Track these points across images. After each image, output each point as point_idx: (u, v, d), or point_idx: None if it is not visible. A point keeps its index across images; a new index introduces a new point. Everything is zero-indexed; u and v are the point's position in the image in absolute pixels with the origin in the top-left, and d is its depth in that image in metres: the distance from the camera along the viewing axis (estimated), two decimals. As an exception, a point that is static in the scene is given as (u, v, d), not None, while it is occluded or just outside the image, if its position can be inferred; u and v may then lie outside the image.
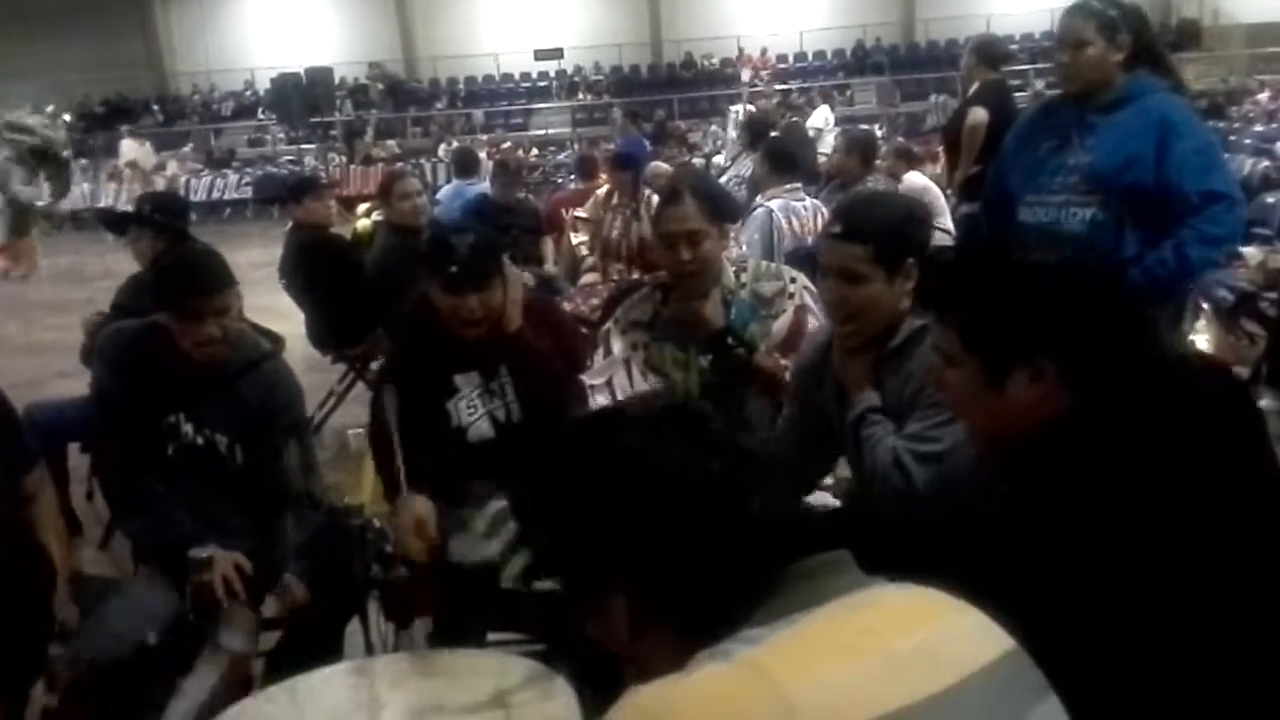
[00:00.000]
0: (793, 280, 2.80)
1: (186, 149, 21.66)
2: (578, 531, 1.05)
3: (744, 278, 2.78)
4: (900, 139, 11.43)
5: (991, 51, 5.78)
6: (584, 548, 1.05)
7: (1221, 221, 3.01)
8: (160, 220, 4.19)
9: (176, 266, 2.80)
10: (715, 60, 25.06)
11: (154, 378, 2.70)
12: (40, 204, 13.19)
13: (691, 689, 0.92)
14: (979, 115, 5.33)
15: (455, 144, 17.34)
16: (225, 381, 2.72)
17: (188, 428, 2.72)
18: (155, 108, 25.32)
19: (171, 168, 20.02)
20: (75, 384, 4.28)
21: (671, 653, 1.00)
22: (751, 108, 14.92)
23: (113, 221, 4.65)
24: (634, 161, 6.92)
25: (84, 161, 21.75)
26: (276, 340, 3.02)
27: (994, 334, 1.47)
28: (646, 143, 11.02)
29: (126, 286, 4.19)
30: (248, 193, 19.11)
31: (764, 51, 24.74)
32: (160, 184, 17.30)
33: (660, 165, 8.40)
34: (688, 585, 1.00)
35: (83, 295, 9.95)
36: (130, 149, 17.08)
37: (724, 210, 2.91)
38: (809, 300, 2.73)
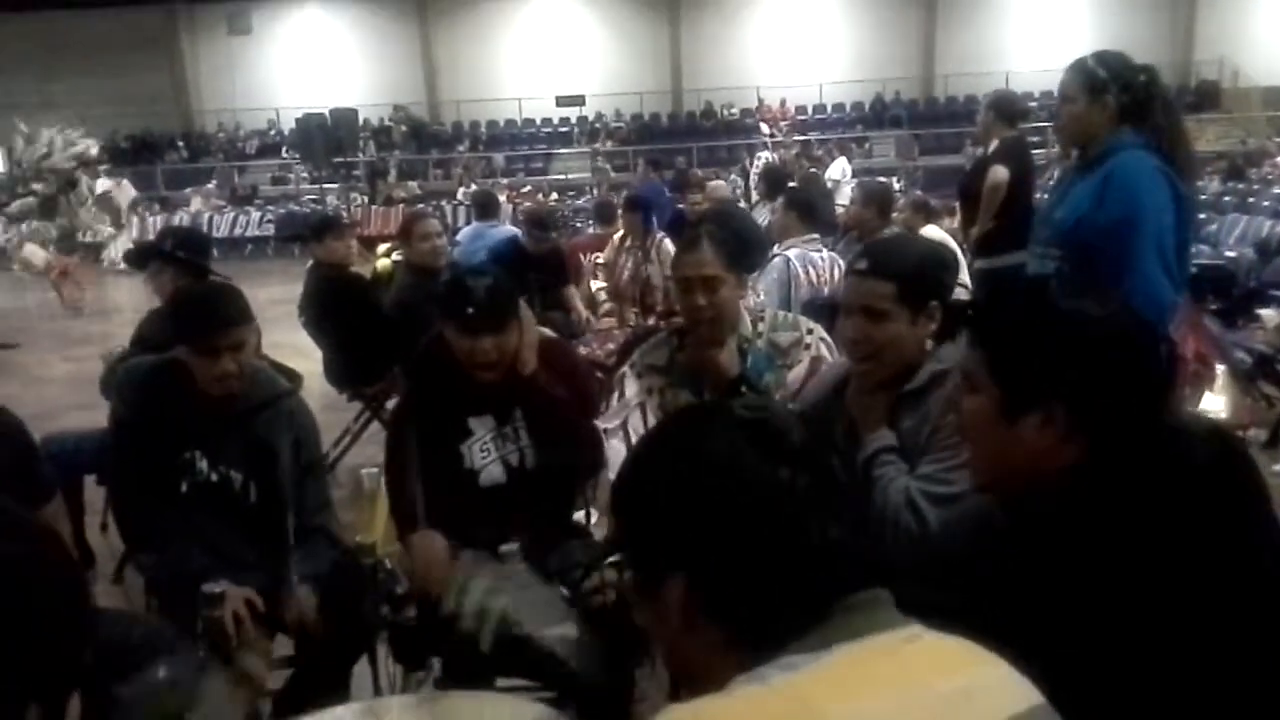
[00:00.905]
0: (809, 331, 2.80)
1: (210, 185, 21.90)
2: (659, 506, 1.06)
3: (761, 327, 2.79)
4: (919, 192, 11.47)
5: (1010, 109, 5.82)
6: (660, 523, 1.06)
7: (1132, 305, 2.91)
8: (181, 258, 4.22)
9: (193, 301, 2.82)
10: (735, 110, 25.28)
11: (171, 413, 2.71)
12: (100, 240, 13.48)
13: (727, 709, 0.93)
14: (1000, 174, 5.37)
15: (474, 186, 17.48)
16: (242, 418, 2.73)
17: (203, 464, 2.72)
18: (180, 144, 25.64)
19: (195, 203, 20.24)
20: (92, 416, 4.30)
21: (714, 657, 1.01)
22: (773, 157, 15.05)
23: (134, 256, 4.64)
24: (645, 203, 7.05)
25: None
26: (295, 378, 3.03)
27: (1021, 368, 1.47)
28: (665, 190, 11.08)
29: (147, 321, 4.21)
30: (270, 230, 19.24)
31: (783, 102, 24.96)
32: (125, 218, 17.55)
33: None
34: (746, 592, 1.01)
35: (101, 328, 10.05)
36: (105, 186, 17.26)
37: (743, 258, 2.92)
38: (825, 351, 2.73)
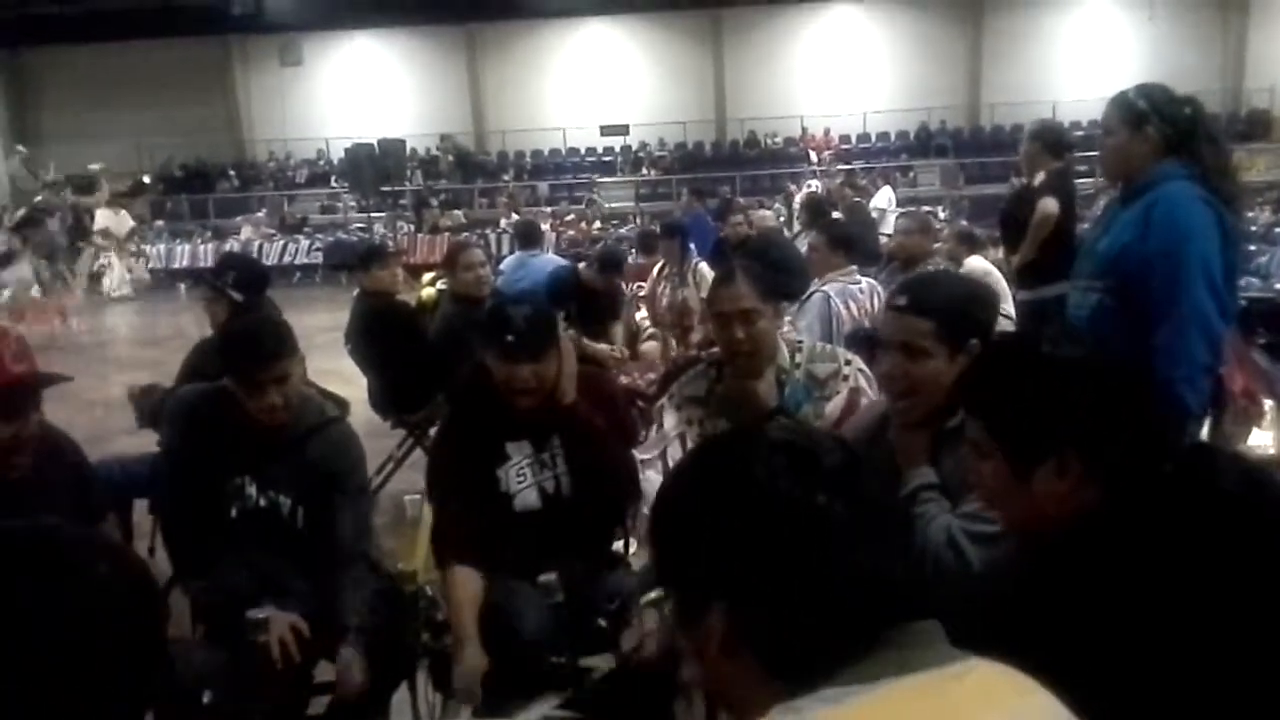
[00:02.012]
0: (847, 362, 2.80)
1: (261, 214, 22.28)
2: (696, 534, 1.06)
3: (799, 358, 2.80)
4: (964, 222, 11.42)
5: (1056, 140, 5.78)
6: (698, 552, 1.05)
7: (1184, 336, 2.88)
8: (234, 299, 4.25)
9: (238, 336, 2.87)
10: (779, 139, 25.33)
11: (220, 440, 2.76)
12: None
13: None
14: (1050, 206, 5.34)
15: (516, 215, 17.64)
16: (291, 444, 2.78)
17: (252, 490, 2.77)
18: (232, 173, 26.11)
19: (246, 231, 20.59)
20: (141, 441, 4.37)
21: (753, 686, 1.01)
22: (816, 184, 15.07)
23: (194, 279, 4.63)
24: (682, 229, 7.18)
25: (160, 223, 22.50)
26: (342, 405, 3.08)
27: (1019, 427, 1.50)
28: (709, 218, 11.12)
29: (195, 352, 4.23)
30: (318, 258, 19.52)
31: (827, 131, 24.96)
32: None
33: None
34: (787, 621, 1.00)
35: (152, 354, 10.23)
36: (104, 218, 17.52)
37: (779, 289, 2.93)
38: (863, 383, 2.73)
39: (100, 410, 7.38)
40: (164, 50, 25.12)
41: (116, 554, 0.97)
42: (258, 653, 2.44)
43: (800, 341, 2.97)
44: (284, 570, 2.73)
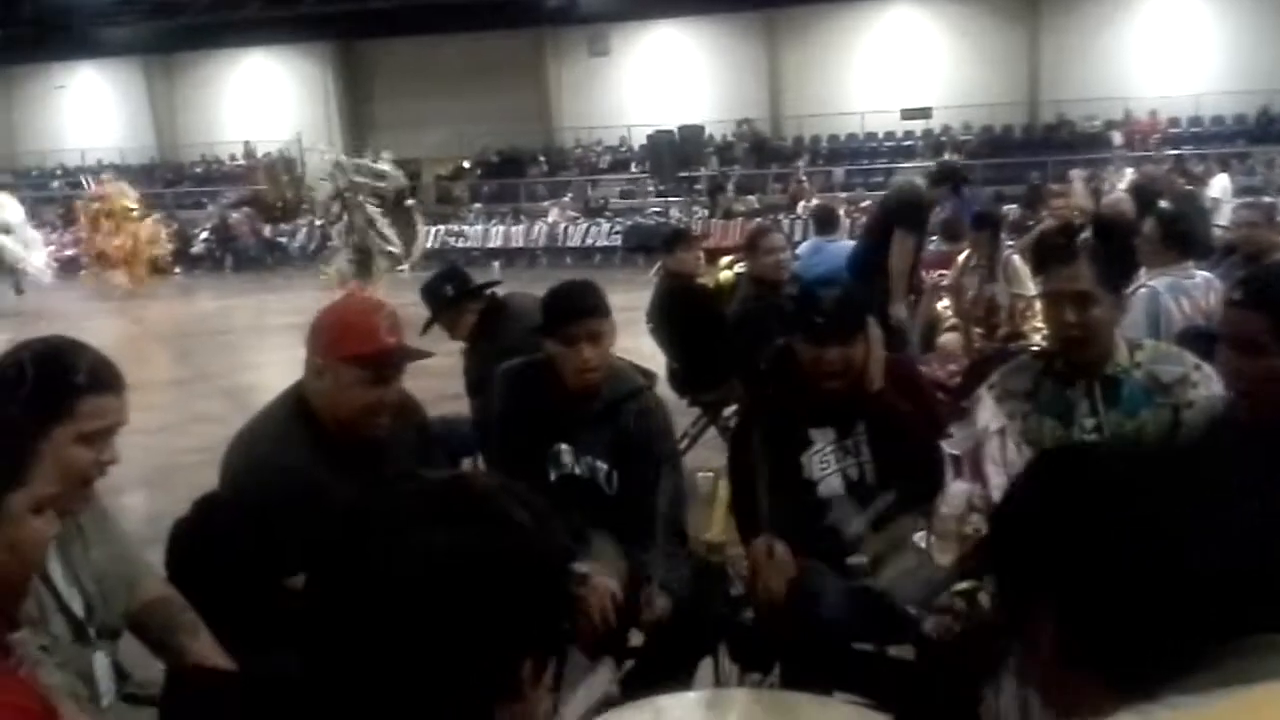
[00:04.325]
0: (1197, 367, 2.54)
1: (567, 198, 23.36)
2: (1037, 538, 1.03)
3: (1139, 356, 2.57)
4: (1313, 214, 10.27)
5: None
6: (1035, 557, 1.03)
7: None
8: (470, 290, 4.50)
9: (556, 295, 3.00)
10: (1098, 122, 23.70)
11: (541, 408, 2.90)
12: (392, 249, 14.57)
13: None
14: None
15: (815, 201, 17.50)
16: (606, 412, 2.88)
17: (569, 458, 2.89)
18: (541, 159, 27.47)
19: (553, 215, 21.71)
20: (461, 405, 4.69)
21: (1086, 689, 0.98)
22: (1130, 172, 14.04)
23: (430, 322, 4.65)
24: (993, 220, 6.84)
25: (478, 206, 24.04)
26: (650, 376, 3.18)
27: None
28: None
29: (473, 365, 4.44)
30: (617, 241, 20.27)
31: (1153, 114, 23.12)
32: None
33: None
34: (1122, 631, 0.97)
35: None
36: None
37: (1123, 277, 2.74)
38: (1216, 389, 2.45)
39: (425, 377, 7.97)
40: (482, 42, 26.77)
41: (528, 500, 1.04)
42: (577, 605, 2.54)
43: (1141, 339, 2.76)
44: (596, 534, 2.82)
